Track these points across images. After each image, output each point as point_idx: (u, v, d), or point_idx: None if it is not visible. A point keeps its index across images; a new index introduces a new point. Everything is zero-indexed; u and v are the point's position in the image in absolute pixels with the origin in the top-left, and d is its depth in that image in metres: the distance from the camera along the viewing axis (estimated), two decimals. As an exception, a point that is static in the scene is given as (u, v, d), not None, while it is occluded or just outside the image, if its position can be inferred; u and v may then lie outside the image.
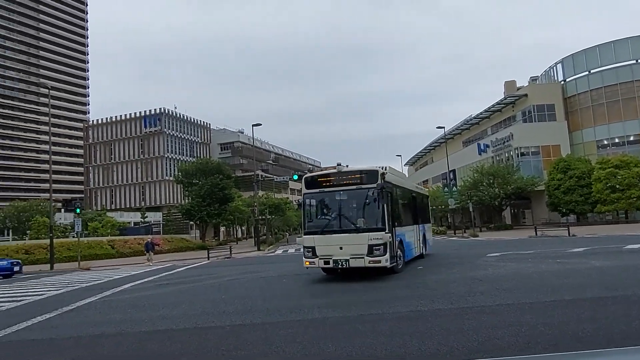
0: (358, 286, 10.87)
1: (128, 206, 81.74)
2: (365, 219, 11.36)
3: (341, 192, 11.71)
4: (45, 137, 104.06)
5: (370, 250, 10.88)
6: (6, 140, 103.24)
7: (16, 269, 22.45)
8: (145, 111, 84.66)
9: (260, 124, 39.87)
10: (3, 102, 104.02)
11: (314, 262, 11.49)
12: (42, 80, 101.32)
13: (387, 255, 11.02)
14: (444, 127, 49.93)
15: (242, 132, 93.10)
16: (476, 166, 49.03)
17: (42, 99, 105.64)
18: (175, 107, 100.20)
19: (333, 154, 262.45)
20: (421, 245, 16.14)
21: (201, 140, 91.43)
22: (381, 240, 10.94)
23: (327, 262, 11.29)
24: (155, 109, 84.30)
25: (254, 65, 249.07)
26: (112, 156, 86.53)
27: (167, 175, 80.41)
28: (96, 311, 9.94)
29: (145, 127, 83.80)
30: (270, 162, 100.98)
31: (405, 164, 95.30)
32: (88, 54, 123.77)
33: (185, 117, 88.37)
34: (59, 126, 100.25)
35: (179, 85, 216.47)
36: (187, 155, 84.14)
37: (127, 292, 13.05)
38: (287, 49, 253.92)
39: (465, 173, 53.43)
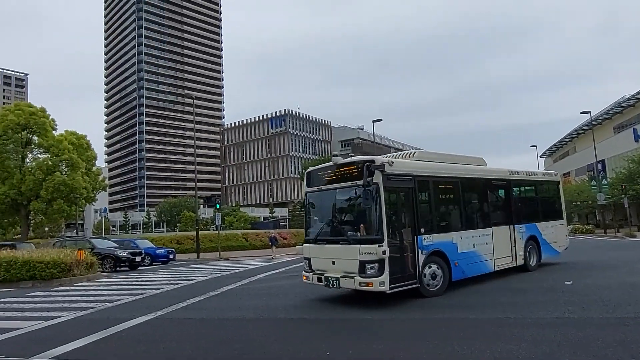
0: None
1: (258, 202, 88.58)
2: (361, 226, 8.63)
3: (336, 191, 9.13)
4: (188, 142, 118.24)
5: (362, 267, 8.20)
6: (160, 146, 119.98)
7: (171, 256, 25.94)
8: (271, 113, 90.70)
9: (381, 120, 39.71)
10: (157, 113, 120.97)
11: (309, 277, 9.50)
12: (186, 91, 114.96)
13: (385, 275, 8.04)
14: (590, 112, 43.98)
15: (362, 129, 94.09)
16: (632, 155, 42.26)
17: (187, 108, 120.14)
18: (299, 108, 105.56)
19: (458, 148, 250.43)
20: (525, 252, 11.98)
21: (323, 138, 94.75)
22: (374, 255, 8.08)
23: (319, 279, 9.09)
24: (280, 111, 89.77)
25: (372, 61, 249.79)
26: (244, 156, 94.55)
27: (292, 173, 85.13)
28: (237, 297, 10.95)
29: (272, 128, 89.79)
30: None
31: (541, 155, 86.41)
32: (222, 65, 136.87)
33: (307, 117, 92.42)
34: (200, 131, 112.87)
35: (301, 86, 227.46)
36: (310, 153, 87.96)
37: (262, 281, 14.14)
38: (407, 41, 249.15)
39: (618, 163, 46.39)
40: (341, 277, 8.54)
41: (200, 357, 5.91)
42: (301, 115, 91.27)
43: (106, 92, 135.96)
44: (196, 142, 36.56)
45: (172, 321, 8.26)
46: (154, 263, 24.38)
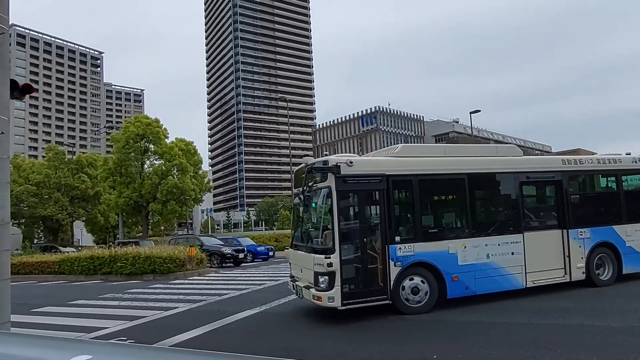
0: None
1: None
2: (324, 234, 7.62)
3: (301, 195, 7.95)
4: (283, 143, 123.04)
5: (316, 279, 7.33)
6: (257, 148, 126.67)
7: (271, 254, 27.09)
8: (361, 111, 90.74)
9: (479, 110, 37.01)
10: (253, 117, 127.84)
11: (289, 282, 8.94)
12: (280, 95, 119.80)
13: (336, 290, 7.10)
14: None
15: (457, 122, 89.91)
16: None
17: (281, 111, 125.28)
18: (389, 104, 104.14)
19: (571, 138, 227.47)
20: (589, 263, 9.14)
21: (415, 133, 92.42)
22: (323, 267, 7.18)
23: (293, 287, 8.49)
24: (370, 108, 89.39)
25: (468, 50, 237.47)
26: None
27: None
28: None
29: (363, 125, 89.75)
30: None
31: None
32: (312, 66, 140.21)
33: (398, 113, 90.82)
34: (293, 132, 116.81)
35: (391, 83, 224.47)
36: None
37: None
38: (506, 26, 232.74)
39: None
40: (304, 287, 7.79)
41: (308, 349, 5.99)
42: (392, 112, 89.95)
43: (208, 100, 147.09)
44: (290, 143, 37.84)
45: (275, 315, 8.52)
46: (255, 260, 25.62)
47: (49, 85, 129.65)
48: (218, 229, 79.91)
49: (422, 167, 8.31)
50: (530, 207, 9.55)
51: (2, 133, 4.17)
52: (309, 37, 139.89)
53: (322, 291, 7.20)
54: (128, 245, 20.90)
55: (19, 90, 6.12)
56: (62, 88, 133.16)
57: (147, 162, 40.07)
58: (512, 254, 8.47)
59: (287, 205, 72.97)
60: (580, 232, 9.19)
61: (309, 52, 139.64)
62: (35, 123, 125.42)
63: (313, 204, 7.84)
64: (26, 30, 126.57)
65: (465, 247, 8.14)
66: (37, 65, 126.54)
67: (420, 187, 8.13)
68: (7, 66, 4.40)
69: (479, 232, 8.44)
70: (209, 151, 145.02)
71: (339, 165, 7.36)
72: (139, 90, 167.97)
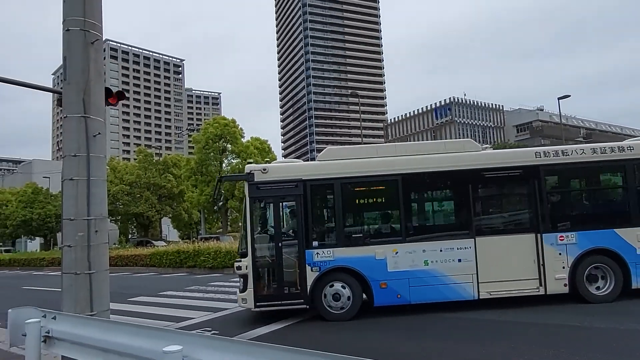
0: None
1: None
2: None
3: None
4: (354, 139, 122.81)
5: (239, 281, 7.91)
6: (329, 145, 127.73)
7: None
8: (435, 103, 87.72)
9: (568, 96, 33.84)
10: (324, 115, 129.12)
11: None
12: (351, 91, 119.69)
13: (249, 292, 7.41)
14: None
15: (542, 109, 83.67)
16: None
17: (352, 107, 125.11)
18: (465, 95, 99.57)
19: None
20: (577, 274, 7.60)
21: (494, 124, 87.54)
22: (239, 270, 7.65)
23: None
24: (444, 100, 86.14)
25: (551, 34, 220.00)
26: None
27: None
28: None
29: (437, 118, 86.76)
30: (581, 138, 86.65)
31: None
32: (383, 60, 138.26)
33: (475, 103, 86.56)
34: (365, 128, 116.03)
35: (466, 72, 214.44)
36: (480, 142, 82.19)
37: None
38: (594, 5, 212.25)
39: None
40: None
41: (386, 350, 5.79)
42: (468, 102, 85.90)
43: (281, 100, 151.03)
44: (362, 139, 37.53)
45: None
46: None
47: (138, 93, 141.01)
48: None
49: (345, 170, 7.87)
50: (487, 209, 8.38)
51: (99, 134, 4.46)
52: (378, 31, 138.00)
53: (239, 292, 7.64)
54: (210, 241, 22.02)
55: (113, 97, 6.62)
56: (149, 95, 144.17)
57: (225, 161, 41.98)
58: (459, 261, 7.60)
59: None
60: (561, 236, 7.74)
61: (379, 45, 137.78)
62: (128, 128, 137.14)
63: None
64: (118, 44, 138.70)
65: (397, 252, 7.56)
66: (127, 76, 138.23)
67: (342, 190, 7.80)
68: (101, 72, 4.70)
69: (415, 238, 7.73)
70: (282, 149, 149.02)
71: (252, 173, 7.62)
72: (216, 94, 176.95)
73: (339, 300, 7.55)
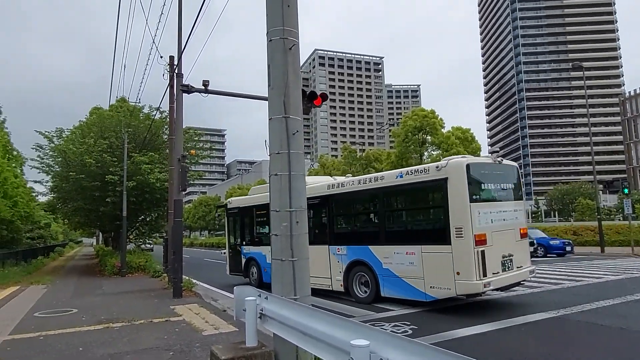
0: None
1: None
2: None
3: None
4: (578, 120, 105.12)
5: None
6: (544, 129, 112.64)
7: (568, 249, 23.32)
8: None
9: None
10: (538, 95, 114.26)
11: None
12: (573, 63, 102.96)
13: (227, 267, 15.59)
14: None
15: None
16: None
17: (574, 83, 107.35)
18: None
19: None
20: (347, 278, 10.05)
21: None
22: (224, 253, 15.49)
23: None
24: None
25: None
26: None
27: None
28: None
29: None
30: None
31: None
32: (616, 21, 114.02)
33: None
34: (592, 105, 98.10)
35: None
36: None
37: None
38: None
39: None
40: None
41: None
42: None
43: (485, 84, 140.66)
44: (590, 119, 31.52)
45: (579, 324, 7.05)
46: (548, 255, 22.66)
47: (343, 94, 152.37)
48: (502, 219, 75.26)
49: (242, 202, 14.69)
50: (311, 226, 10.08)
51: (297, 132, 4.80)
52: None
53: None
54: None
55: (318, 99, 7.16)
56: (352, 95, 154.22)
57: (426, 153, 41.42)
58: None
59: (587, 193, 62.29)
60: (338, 249, 10.45)
61: (611, 4, 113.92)
62: (335, 128, 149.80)
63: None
64: (325, 52, 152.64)
65: (268, 252, 9.91)
66: (333, 79, 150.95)
67: (248, 213, 14.08)
68: (299, 74, 5.05)
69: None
70: (488, 137, 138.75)
71: (226, 204, 15.40)
72: (415, 86, 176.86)
73: (253, 276, 13.47)
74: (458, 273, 7.77)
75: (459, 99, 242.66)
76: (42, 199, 32.89)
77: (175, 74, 12.63)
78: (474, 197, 8.09)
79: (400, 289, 8.84)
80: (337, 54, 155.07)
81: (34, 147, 22.26)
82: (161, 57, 14.37)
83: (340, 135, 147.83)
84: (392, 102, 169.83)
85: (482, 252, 7.82)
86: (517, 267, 8.73)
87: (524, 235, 9.37)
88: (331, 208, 10.80)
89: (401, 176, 9.16)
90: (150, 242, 27.33)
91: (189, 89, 11.92)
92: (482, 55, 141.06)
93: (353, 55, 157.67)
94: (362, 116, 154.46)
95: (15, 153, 31.97)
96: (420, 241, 8.62)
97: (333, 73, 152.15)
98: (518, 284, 9.13)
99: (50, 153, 22.02)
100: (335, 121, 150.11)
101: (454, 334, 6.52)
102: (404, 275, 8.74)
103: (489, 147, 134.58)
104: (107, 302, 10.68)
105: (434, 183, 8.44)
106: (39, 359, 5.84)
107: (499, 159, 9.45)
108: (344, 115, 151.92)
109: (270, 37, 4.86)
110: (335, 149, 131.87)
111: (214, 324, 7.66)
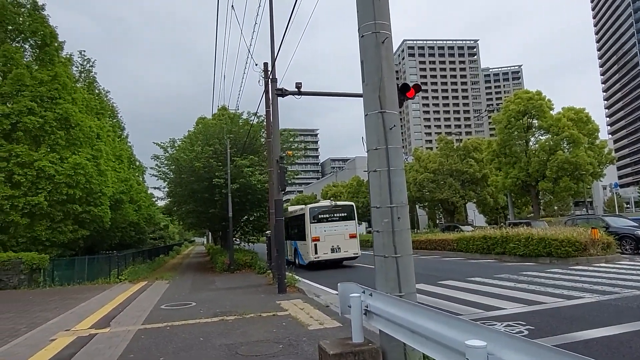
0: None
1: None
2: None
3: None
4: None
5: None
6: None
7: None
8: None
9: None
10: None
11: None
12: None
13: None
14: None
15: None
16: None
17: None
18: None
19: None
20: None
21: None
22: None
23: None
24: None
25: None
26: None
27: None
28: None
29: None
30: None
31: None
32: None
33: None
34: None
35: None
36: None
37: None
38: None
39: None
40: None
41: None
42: None
43: (599, 58, 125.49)
44: None
45: None
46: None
47: (435, 83, 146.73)
48: (628, 207, 66.78)
49: (287, 214, 21.16)
50: (293, 230, 21.39)
51: (394, 126, 4.70)
52: None
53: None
54: (519, 226, 20.48)
55: (411, 91, 6.98)
56: (445, 83, 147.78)
57: (532, 138, 38.18)
58: (295, 247, 21.32)
59: None
60: (290, 243, 21.03)
61: None
62: (428, 119, 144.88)
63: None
64: (413, 42, 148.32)
65: (295, 242, 21.38)
66: (424, 69, 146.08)
67: (288, 221, 19.17)
68: (392, 67, 4.94)
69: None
70: (607, 117, 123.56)
71: (306, 209, 19.79)
72: (516, 67, 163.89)
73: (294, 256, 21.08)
74: (308, 252, 18.63)
75: (568, 77, 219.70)
76: (160, 203, 36.72)
77: (269, 80, 13.21)
78: (313, 221, 18.75)
79: (300, 258, 19.89)
80: (427, 42, 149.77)
81: (152, 157, 24.89)
82: (256, 64, 15.16)
83: (435, 126, 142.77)
84: (490, 87, 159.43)
85: (315, 244, 18.42)
86: (344, 252, 18.67)
87: (352, 236, 18.96)
88: (287, 223, 18.69)
89: (296, 210, 22.03)
90: (252, 240, 28.82)
91: (283, 93, 12.37)
92: (595, 25, 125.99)
93: (444, 42, 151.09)
94: (457, 105, 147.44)
95: (137, 163, 36.11)
96: (302, 239, 19.37)
97: (423, 62, 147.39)
98: (342, 260, 19.03)
99: (166, 162, 24.44)
100: (428, 112, 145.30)
101: (577, 336, 5.90)
102: (302, 253, 19.63)
103: (608, 128, 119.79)
104: (220, 297, 11.53)
105: (302, 215, 19.48)
106: (169, 347, 6.49)
107: (333, 203, 19.73)
108: (437, 105, 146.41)
109: (362, 33, 4.82)
110: (430, 141, 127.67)
111: (318, 319, 7.86)
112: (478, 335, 2.96)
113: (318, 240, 18.43)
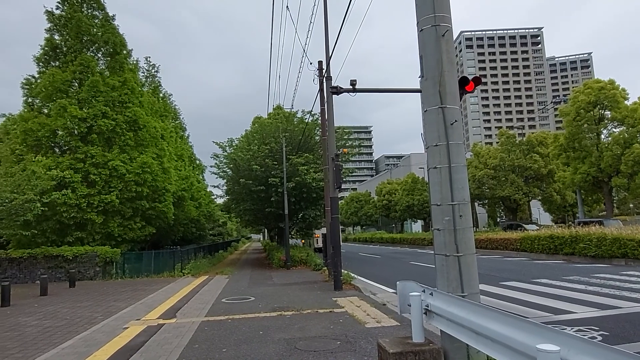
0: None
1: None
2: None
3: None
4: None
5: None
6: None
7: None
8: None
9: None
10: None
11: None
12: None
13: None
14: None
15: None
16: None
17: None
18: None
19: None
20: None
21: None
22: None
23: None
24: None
25: None
26: None
27: None
28: None
29: None
30: None
31: None
32: None
33: None
34: None
35: None
36: None
37: None
38: None
39: None
40: None
41: None
42: None
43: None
44: None
45: None
46: None
47: (495, 75, 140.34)
48: None
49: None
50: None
51: (456, 121, 4.56)
52: None
53: None
54: (590, 225, 19.18)
55: (470, 84, 6.73)
56: (506, 75, 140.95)
57: (604, 131, 35.49)
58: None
59: None
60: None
61: None
62: (487, 113, 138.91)
63: None
64: (472, 33, 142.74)
65: None
66: (483, 61, 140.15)
67: None
68: (453, 61, 4.79)
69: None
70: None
71: None
72: (585, 55, 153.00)
73: None
74: None
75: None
76: (219, 200, 38.16)
77: (324, 78, 13.28)
78: None
79: None
80: (486, 32, 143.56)
81: (212, 156, 25.90)
82: (310, 63, 15.30)
83: (495, 120, 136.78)
84: (555, 77, 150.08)
85: None
86: None
87: None
88: None
89: None
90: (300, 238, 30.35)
91: (337, 91, 12.39)
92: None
93: (505, 32, 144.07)
94: (519, 97, 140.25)
95: (197, 162, 37.76)
96: None
97: (482, 54, 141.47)
98: None
99: (225, 161, 25.34)
100: (487, 106, 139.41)
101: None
102: None
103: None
104: (278, 292, 11.78)
105: None
106: (230, 339, 6.74)
107: None
108: (497, 98, 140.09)
109: (421, 26, 4.72)
110: (489, 136, 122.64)
111: (375, 317, 7.81)
112: (550, 339, 2.81)
113: None
